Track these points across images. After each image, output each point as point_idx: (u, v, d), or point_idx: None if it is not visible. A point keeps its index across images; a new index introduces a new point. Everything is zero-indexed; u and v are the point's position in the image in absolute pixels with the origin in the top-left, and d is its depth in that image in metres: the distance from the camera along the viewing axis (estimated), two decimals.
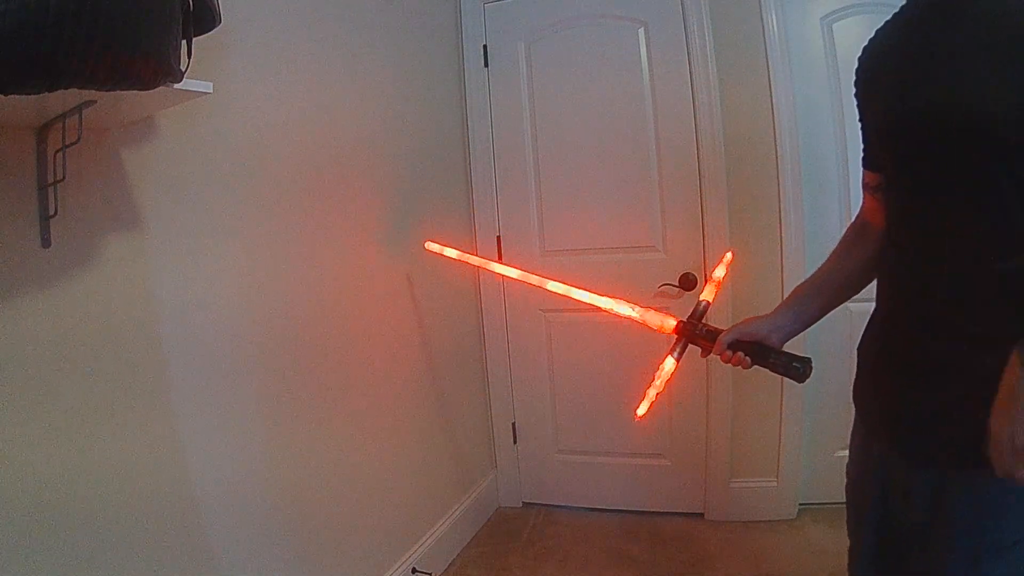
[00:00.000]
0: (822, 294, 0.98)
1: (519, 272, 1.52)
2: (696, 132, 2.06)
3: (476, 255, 2.32)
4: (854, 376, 0.93)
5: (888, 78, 0.79)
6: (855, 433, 0.93)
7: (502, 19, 2.26)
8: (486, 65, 2.28)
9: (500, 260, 2.29)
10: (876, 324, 0.88)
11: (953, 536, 0.73)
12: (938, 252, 0.72)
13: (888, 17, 0.82)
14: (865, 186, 0.91)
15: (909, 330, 0.78)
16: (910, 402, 0.76)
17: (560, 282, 1.41)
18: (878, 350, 0.86)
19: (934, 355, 0.73)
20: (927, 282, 0.74)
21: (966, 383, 0.70)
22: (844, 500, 0.96)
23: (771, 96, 1.99)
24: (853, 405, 0.93)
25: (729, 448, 2.15)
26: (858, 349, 0.92)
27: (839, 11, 2.00)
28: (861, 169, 0.92)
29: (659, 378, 1.10)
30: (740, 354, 0.97)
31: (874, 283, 0.91)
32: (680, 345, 1.09)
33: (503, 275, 2.30)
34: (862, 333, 0.92)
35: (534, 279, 1.46)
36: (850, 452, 0.95)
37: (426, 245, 1.83)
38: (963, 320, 0.71)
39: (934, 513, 0.75)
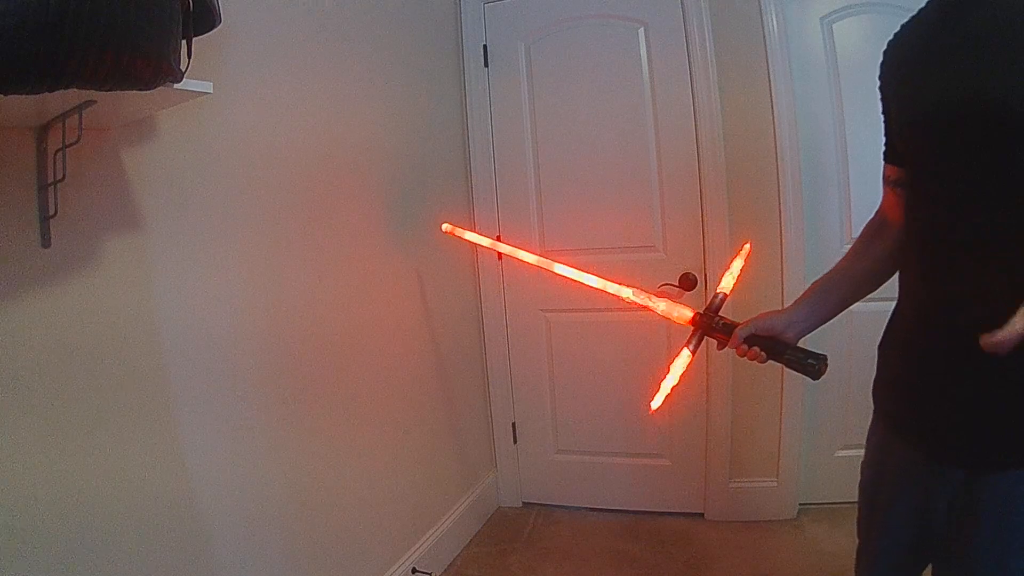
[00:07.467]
0: (839, 289, 0.97)
1: (535, 257, 1.48)
2: (696, 132, 2.06)
3: (476, 254, 2.33)
4: (874, 374, 0.91)
5: (915, 70, 0.77)
6: (872, 432, 0.92)
7: (502, 19, 2.26)
8: (486, 65, 2.28)
9: (500, 259, 2.30)
10: (899, 321, 0.87)
11: (980, 536, 0.72)
12: (964, 248, 0.70)
13: (901, 17, 0.82)
14: (885, 180, 0.90)
15: (936, 327, 0.76)
16: (937, 401, 0.74)
17: (569, 270, 1.39)
18: (902, 347, 0.85)
19: (962, 353, 0.70)
20: (954, 279, 0.73)
21: (995, 382, 0.69)
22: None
23: (771, 96, 1.99)
24: (872, 402, 0.92)
25: (729, 448, 2.15)
26: (879, 347, 0.91)
27: (839, 11, 1.99)
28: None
29: (674, 370, 1.10)
30: (756, 348, 0.96)
31: (889, 281, 0.89)
32: (696, 337, 1.08)
33: (503, 275, 2.33)
34: (884, 330, 0.90)
35: (546, 263, 1.43)
36: (866, 451, 0.93)
37: (442, 227, 1.82)
38: (992, 317, 0.68)
39: (960, 513, 0.74)
